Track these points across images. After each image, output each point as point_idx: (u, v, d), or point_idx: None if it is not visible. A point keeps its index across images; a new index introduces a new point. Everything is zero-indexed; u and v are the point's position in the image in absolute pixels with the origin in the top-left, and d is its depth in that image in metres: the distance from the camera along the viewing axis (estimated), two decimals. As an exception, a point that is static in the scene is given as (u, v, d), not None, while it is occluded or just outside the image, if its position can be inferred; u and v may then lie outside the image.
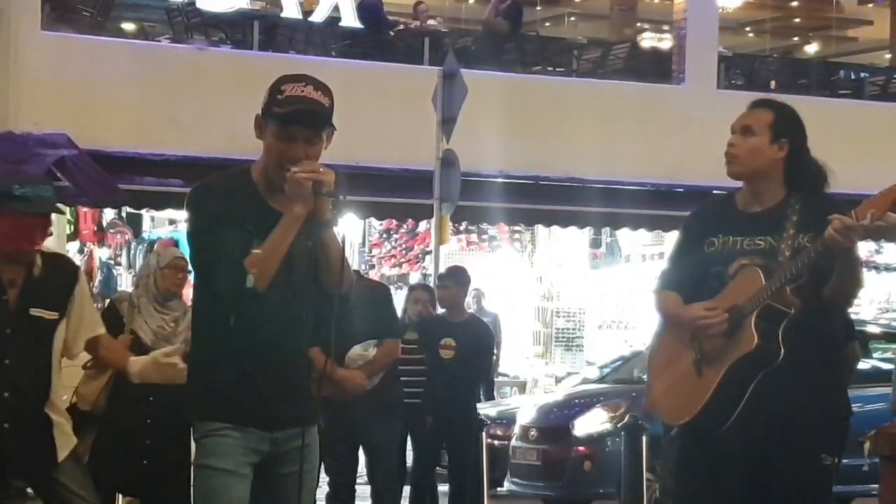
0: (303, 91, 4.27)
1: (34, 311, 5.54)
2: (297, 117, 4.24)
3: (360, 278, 8.38)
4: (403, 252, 19.75)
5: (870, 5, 26.05)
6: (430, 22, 18.39)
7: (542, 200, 16.87)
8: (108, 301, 8.82)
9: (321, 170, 4.21)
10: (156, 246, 14.91)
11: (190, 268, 6.94)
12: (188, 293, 7.41)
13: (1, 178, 13.67)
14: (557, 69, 18.84)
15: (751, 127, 4.84)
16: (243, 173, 4.40)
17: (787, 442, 4.70)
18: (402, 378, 8.73)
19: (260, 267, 4.21)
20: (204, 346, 4.41)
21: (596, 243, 20.31)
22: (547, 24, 26.71)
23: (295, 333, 4.37)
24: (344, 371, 7.80)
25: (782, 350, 4.62)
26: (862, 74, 21.01)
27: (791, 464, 4.71)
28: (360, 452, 8.56)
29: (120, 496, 7.19)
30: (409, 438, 9.81)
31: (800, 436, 4.70)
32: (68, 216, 16.21)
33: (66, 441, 5.64)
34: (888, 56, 25.05)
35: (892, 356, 9.39)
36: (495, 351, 14.37)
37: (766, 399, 4.64)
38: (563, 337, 20.12)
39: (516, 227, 19.33)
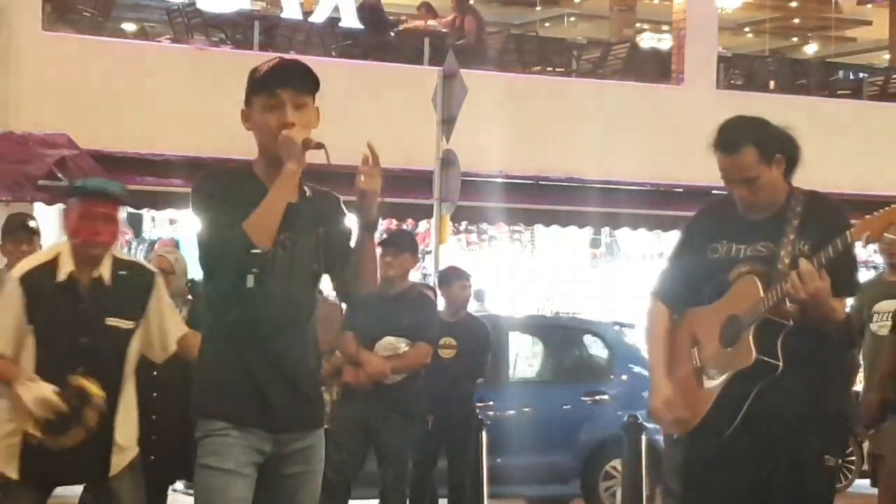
0: (277, 61, 4.43)
1: (110, 321, 5.47)
2: (279, 79, 4.33)
3: (415, 285, 8.78)
4: (403, 252, 19.68)
5: (869, 5, 26.01)
6: (431, 22, 18.39)
7: (541, 200, 16.87)
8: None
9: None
10: (156, 246, 14.93)
11: (175, 267, 7.09)
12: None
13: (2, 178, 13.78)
14: (557, 69, 18.84)
15: (750, 177, 4.71)
16: (245, 167, 4.43)
17: (789, 443, 4.71)
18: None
19: (257, 225, 4.20)
20: (209, 344, 4.42)
21: (596, 243, 20.30)
22: (547, 24, 26.71)
23: (298, 334, 4.37)
24: (369, 355, 7.89)
25: (781, 363, 4.63)
26: (861, 75, 21.00)
27: (794, 465, 4.72)
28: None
29: None
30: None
31: (802, 437, 4.71)
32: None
33: (123, 456, 5.57)
34: (887, 56, 24.99)
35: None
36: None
37: (767, 404, 4.66)
38: (563, 336, 20.06)
39: (516, 227, 19.32)
